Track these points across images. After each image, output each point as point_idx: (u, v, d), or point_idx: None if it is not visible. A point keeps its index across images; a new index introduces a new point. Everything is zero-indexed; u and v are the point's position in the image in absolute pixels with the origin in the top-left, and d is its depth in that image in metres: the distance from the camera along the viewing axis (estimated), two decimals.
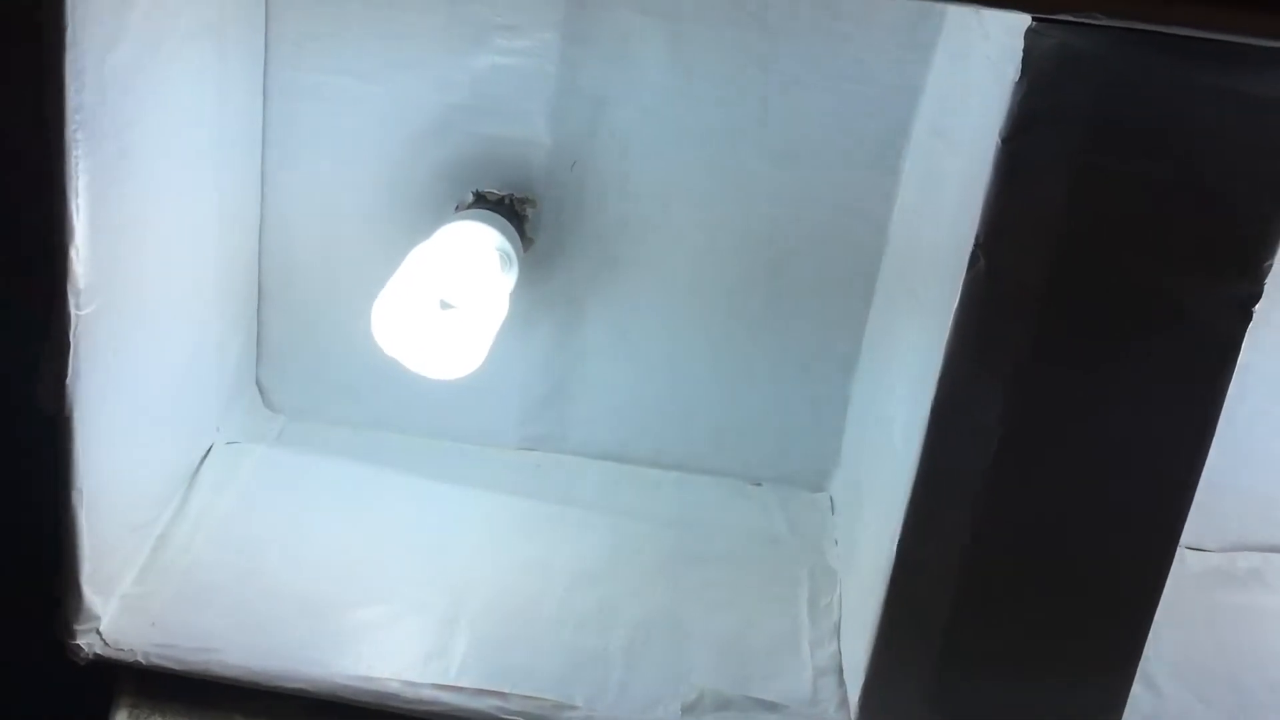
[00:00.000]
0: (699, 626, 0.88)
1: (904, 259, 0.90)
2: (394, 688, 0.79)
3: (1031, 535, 0.74)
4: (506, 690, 0.80)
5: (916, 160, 0.90)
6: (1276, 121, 0.64)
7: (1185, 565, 1.02)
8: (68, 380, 0.69)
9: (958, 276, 0.70)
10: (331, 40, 0.92)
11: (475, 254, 0.86)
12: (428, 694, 0.79)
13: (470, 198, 0.95)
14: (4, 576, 0.81)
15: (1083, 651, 0.77)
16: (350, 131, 0.95)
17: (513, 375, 1.02)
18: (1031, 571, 0.75)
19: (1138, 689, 0.86)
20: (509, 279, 0.90)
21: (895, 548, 0.77)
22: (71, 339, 0.69)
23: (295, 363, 1.03)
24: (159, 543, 0.87)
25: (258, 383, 1.04)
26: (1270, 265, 0.67)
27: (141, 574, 0.84)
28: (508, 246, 0.89)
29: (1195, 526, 1.02)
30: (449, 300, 0.83)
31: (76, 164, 0.65)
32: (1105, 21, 0.59)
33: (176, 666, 0.79)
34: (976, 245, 0.68)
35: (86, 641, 0.78)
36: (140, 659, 0.78)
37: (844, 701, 0.83)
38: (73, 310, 0.68)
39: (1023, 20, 0.62)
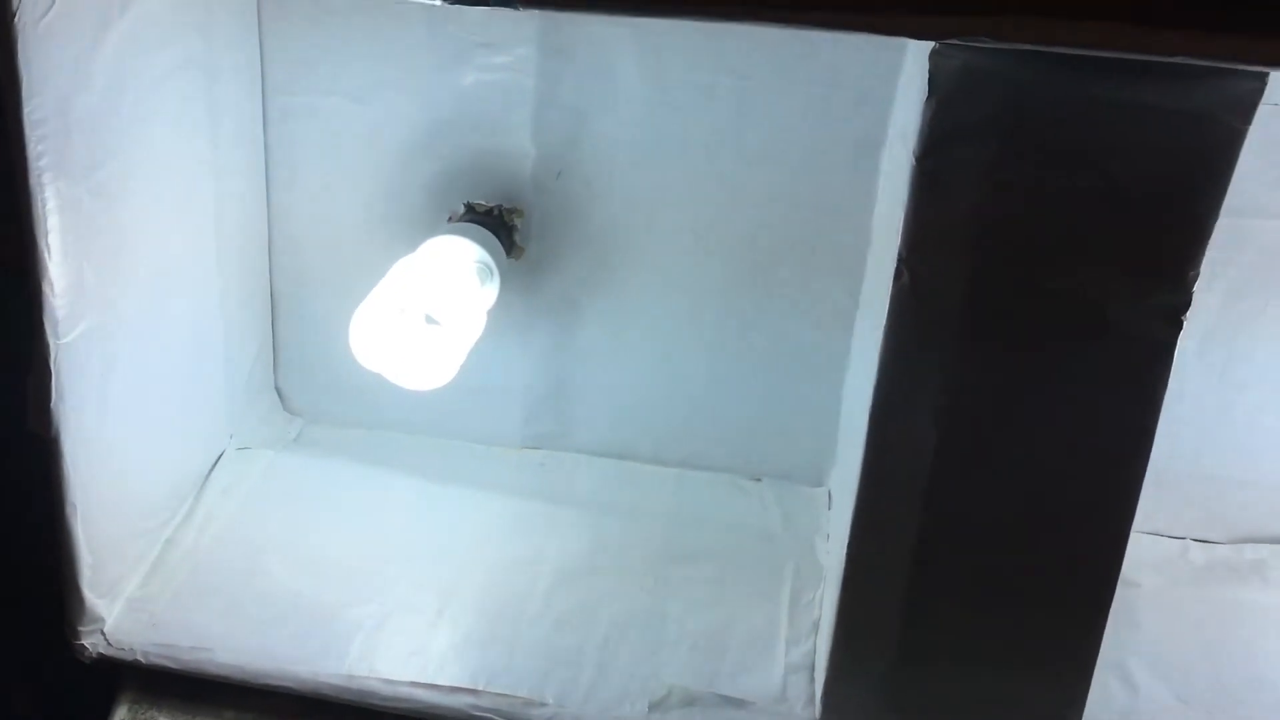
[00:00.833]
0: (678, 623, 0.90)
1: (880, 261, 0.91)
2: (373, 685, 0.83)
3: (978, 537, 0.76)
4: (480, 687, 0.83)
5: (890, 164, 0.91)
6: (1191, 133, 0.63)
7: (1189, 558, 1.01)
8: (52, 404, 0.74)
9: (889, 288, 0.71)
10: (322, 64, 0.96)
11: (452, 269, 0.89)
12: (405, 691, 0.83)
13: (461, 209, 0.98)
14: (17, 582, 0.87)
15: (1037, 647, 0.78)
16: (346, 149, 0.99)
17: (515, 377, 1.05)
18: (980, 572, 0.77)
19: (1114, 685, 0.87)
20: (489, 290, 0.93)
21: (845, 549, 0.78)
22: (53, 366, 0.74)
23: (311, 368, 1.08)
24: (166, 546, 0.92)
25: (276, 388, 1.09)
26: (1196, 274, 0.67)
27: (148, 576, 0.89)
28: (488, 259, 0.92)
29: (1202, 519, 1.03)
30: (426, 314, 0.87)
31: (44, 205, 0.70)
32: (997, 45, 0.60)
33: (174, 665, 0.84)
34: (900, 259, 0.69)
35: (91, 641, 0.84)
36: (140, 658, 0.84)
37: (812, 699, 0.85)
38: (51, 340, 0.74)
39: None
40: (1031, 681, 0.79)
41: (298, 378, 1.09)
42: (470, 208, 0.98)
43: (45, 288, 0.72)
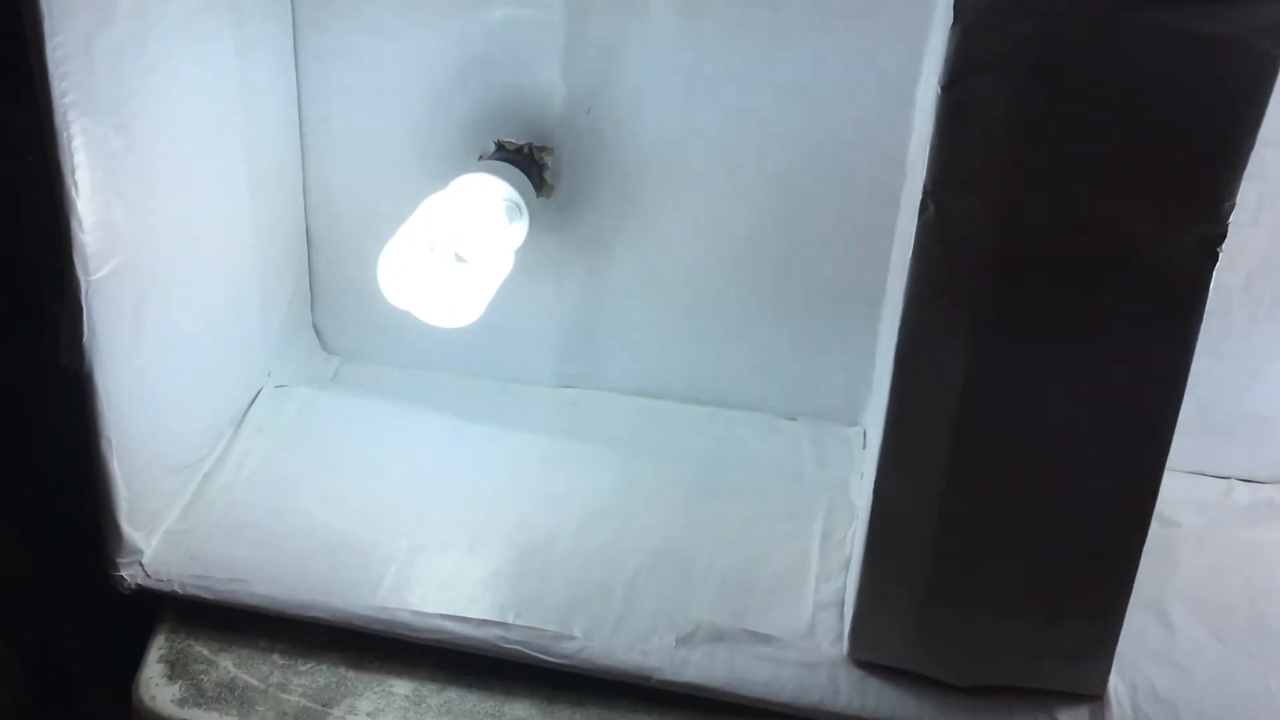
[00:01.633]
0: (707, 560, 0.90)
1: (913, 197, 0.90)
2: (404, 617, 0.85)
3: (1006, 474, 0.75)
4: (509, 620, 0.84)
5: (924, 97, 0.89)
6: (1224, 59, 0.62)
7: (1233, 498, 1.00)
8: (84, 340, 0.76)
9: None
10: (353, 2, 0.96)
11: (480, 207, 0.89)
12: (435, 623, 0.84)
13: (492, 147, 0.98)
14: (65, 515, 0.89)
15: (1067, 586, 0.78)
16: (378, 87, 0.99)
17: (548, 316, 1.05)
18: (1009, 510, 0.76)
19: (1151, 624, 0.87)
20: (518, 229, 0.93)
21: (873, 487, 0.78)
22: (84, 302, 0.76)
23: (348, 307, 1.09)
24: (204, 481, 0.94)
25: (314, 326, 1.10)
26: (1232, 205, 0.65)
27: (185, 510, 0.91)
28: (517, 197, 0.92)
29: (1247, 459, 1.01)
30: (453, 252, 0.87)
31: (70, 142, 0.71)
32: None
33: (210, 596, 0.86)
34: (925, 193, 0.68)
35: (129, 573, 0.86)
36: (178, 589, 0.86)
37: (840, 635, 0.85)
38: (81, 276, 0.75)
39: None
40: (1060, 621, 0.79)
41: (335, 317, 1.10)
42: (500, 146, 0.98)
43: (74, 224, 0.73)
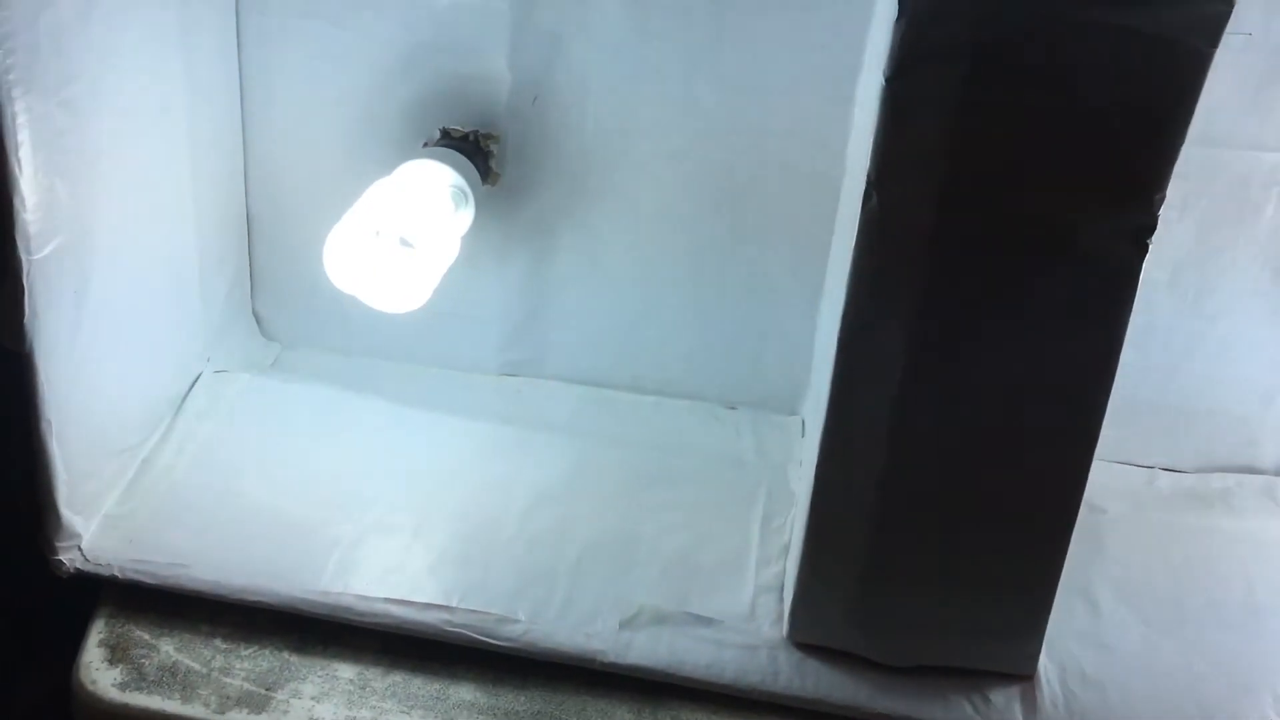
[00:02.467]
0: (650, 546, 0.91)
1: (854, 188, 0.92)
2: (349, 602, 0.85)
3: (943, 460, 0.77)
4: (453, 604, 0.85)
5: (865, 90, 0.91)
6: (1159, 55, 0.64)
7: (1157, 486, 1.03)
8: (25, 320, 0.75)
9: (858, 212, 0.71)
10: None
11: (426, 193, 0.89)
12: (379, 608, 0.85)
13: (437, 134, 0.98)
14: (0, 498, 0.88)
15: (1000, 569, 0.80)
16: (323, 72, 0.98)
17: (492, 304, 1.06)
18: (945, 494, 0.78)
19: (1078, 607, 0.89)
20: (464, 215, 0.93)
21: (814, 472, 0.79)
22: (26, 282, 0.75)
23: (289, 293, 1.08)
24: (143, 466, 0.93)
25: (254, 312, 1.09)
26: (1163, 197, 0.68)
27: (125, 494, 0.90)
28: (463, 184, 0.92)
29: (1171, 448, 1.04)
30: (399, 237, 0.87)
31: (14, 120, 0.70)
32: None
33: (150, 581, 0.85)
34: (869, 183, 0.70)
35: (68, 557, 0.85)
36: (117, 573, 0.85)
37: (780, 617, 0.86)
38: (23, 256, 0.74)
39: None
40: (994, 602, 0.81)
41: (276, 303, 1.09)
42: (446, 133, 0.98)
43: (17, 203, 0.72)
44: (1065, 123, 0.66)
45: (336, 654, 0.84)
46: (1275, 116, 0.91)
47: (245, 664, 0.82)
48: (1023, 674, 0.83)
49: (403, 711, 0.80)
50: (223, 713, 0.79)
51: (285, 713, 0.80)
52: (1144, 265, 0.69)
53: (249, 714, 0.79)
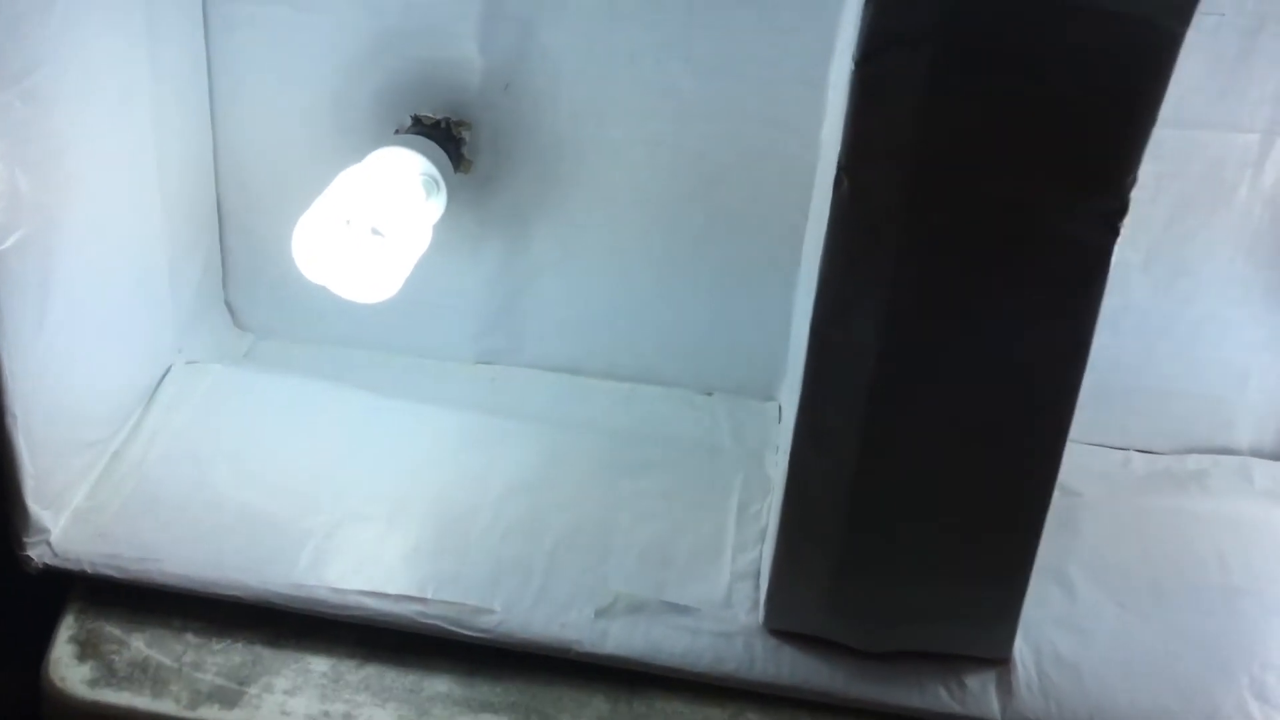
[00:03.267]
0: (626, 534, 0.91)
1: (827, 173, 0.91)
2: (322, 594, 0.84)
3: (918, 447, 0.76)
4: (428, 595, 0.84)
5: (837, 74, 0.90)
6: (1129, 37, 0.63)
7: (1131, 468, 1.03)
8: None
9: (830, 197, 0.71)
10: None
11: (397, 181, 0.88)
12: (353, 600, 0.84)
13: (409, 121, 0.97)
14: None
15: (975, 553, 0.79)
16: (292, 59, 0.98)
17: (466, 292, 1.05)
18: (919, 480, 0.78)
19: (1053, 590, 0.89)
20: (436, 204, 0.93)
21: (788, 459, 0.79)
22: None
23: (262, 283, 1.07)
24: (113, 459, 0.92)
25: (227, 303, 1.08)
26: (1133, 180, 0.67)
27: (94, 488, 0.89)
28: (434, 172, 0.92)
29: (1146, 430, 1.04)
30: (369, 225, 0.86)
31: None
32: None
33: (121, 575, 0.84)
34: (840, 167, 0.69)
35: (37, 552, 0.84)
36: (87, 568, 0.84)
37: (756, 604, 0.86)
38: None
39: None
40: (969, 587, 0.81)
41: (248, 293, 1.08)
42: (417, 120, 0.97)
43: None
44: (1035, 105, 0.66)
45: (310, 647, 0.83)
46: (1248, 97, 0.90)
47: (217, 659, 0.82)
48: (998, 658, 0.83)
49: (377, 704, 0.80)
50: (194, 708, 0.79)
51: (257, 708, 0.79)
52: (1117, 248, 0.69)
53: (221, 709, 0.79)
